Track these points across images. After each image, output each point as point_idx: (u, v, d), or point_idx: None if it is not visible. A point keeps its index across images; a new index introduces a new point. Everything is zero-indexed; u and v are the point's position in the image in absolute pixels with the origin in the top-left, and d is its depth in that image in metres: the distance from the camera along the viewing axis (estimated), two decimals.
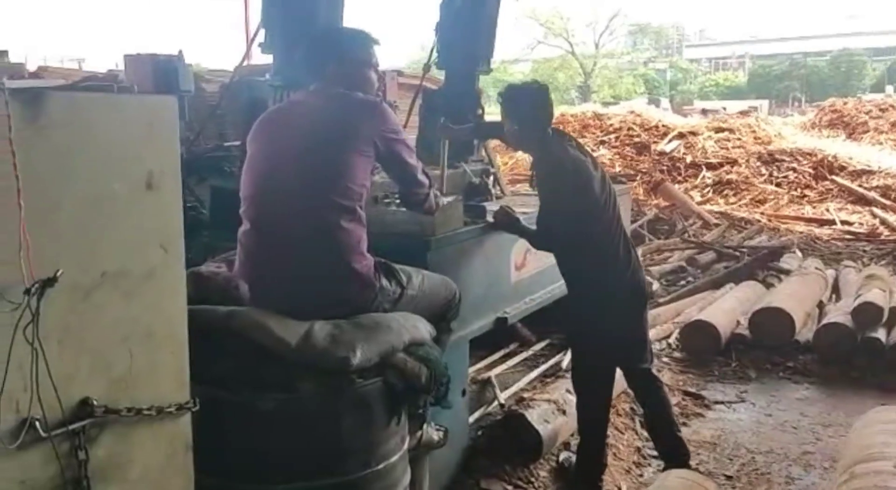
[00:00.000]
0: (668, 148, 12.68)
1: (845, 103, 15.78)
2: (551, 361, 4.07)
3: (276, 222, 2.18)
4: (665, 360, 4.72)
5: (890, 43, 38.95)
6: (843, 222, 9.69)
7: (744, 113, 16.00)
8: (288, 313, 2.07)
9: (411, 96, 5.13)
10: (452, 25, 4.23)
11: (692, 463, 3.20)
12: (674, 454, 3.11)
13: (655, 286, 6.06)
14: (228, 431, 1.90)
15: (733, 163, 12.00)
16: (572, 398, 3.34)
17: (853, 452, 2.31)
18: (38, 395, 1.30)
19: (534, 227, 3.06)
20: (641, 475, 3.38)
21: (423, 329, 2.21)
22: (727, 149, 12.46)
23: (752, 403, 4.20)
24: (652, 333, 4.36)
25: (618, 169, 11.72)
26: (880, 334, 4.56)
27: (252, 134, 2.36)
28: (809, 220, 9.94)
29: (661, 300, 5.91)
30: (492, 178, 4.17)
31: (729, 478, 3.32)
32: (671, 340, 5.00)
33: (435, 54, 4.32)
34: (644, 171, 12.00)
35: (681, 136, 13.00)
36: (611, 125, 13.67)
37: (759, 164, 11.86)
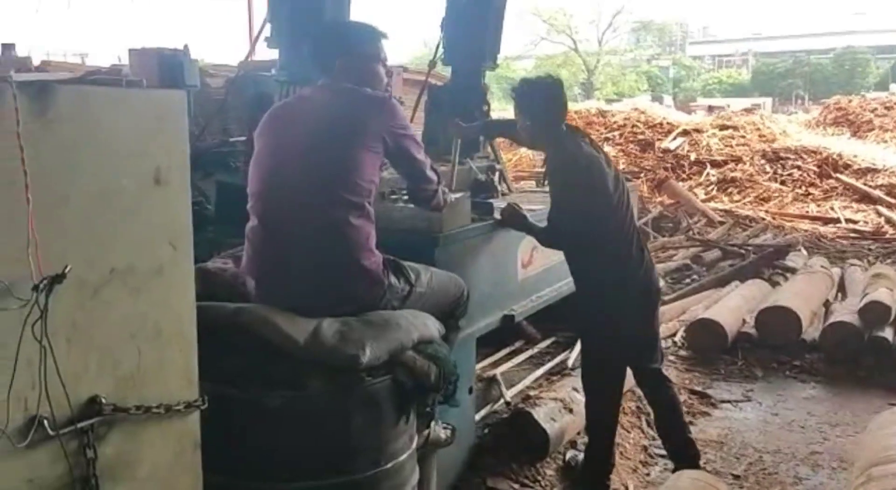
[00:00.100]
0: (672, 145, 12.64)
1: (850, 101, 15.71)
2: (557, 359, 4.06)
3: (284, 218, 2.16)
4: (671, 358, 4.69)
5: (894, 41, 38.80)
6: (848, 221, 9.66)
7: (748, 111, 15.94)
8: (295, 310, 2.05)
9: (416, 92, 5.10)
10: (458, 21, 4.20)
11: (699, 462, 3.18)
12: (683, 455, 3.08)
13: (661, 284, 6.03)
14: (236, 429, 1.88)
15: (738, 160, 11.97)
16: (579, 396, 3.33)
17: (869, 454, 2.29)
18: (47, 392, 1.28)
19: (542, 224, 3.04)
20: (648, 474, 3.36)
21: (432, 327, 2.19)
22: (731, 146, 12.42)
23: (758, 402, 4.18)
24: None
25: (622, 166, 11.68)
26: (887, 333, 4.54)
27: (259, 129, 2.34)
28: (814, 219, 9.91)
29: (667, 298, 5.88)
30: (498, 174, 4.15)
31: (737, 477, 3.30)
32: (677, 338, 4.98)
33: (440, 50, 4.29)
34: (648, 168, 11.97)
35: (685, 133, 12.96)
36: (614, 122, 13.63)
37: (763, 161, 11.82)
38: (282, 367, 1.93)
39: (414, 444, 2.14)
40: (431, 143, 3.81)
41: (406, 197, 2.83)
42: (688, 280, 6.70)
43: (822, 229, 9.22)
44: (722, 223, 9.37)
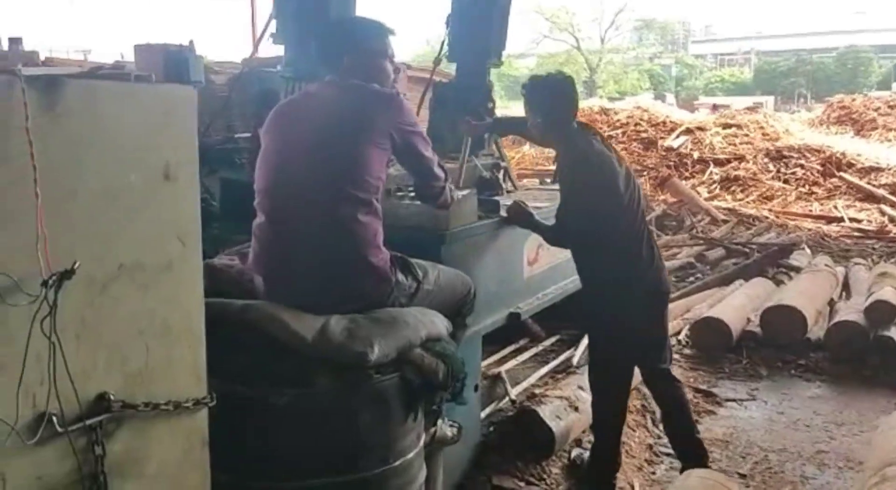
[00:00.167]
0: (675, 143, 12.62)
1: (854, 100, 15.68)
2: (561, 357, 4.04)
3: (292, 215, 2.14)
4: (675, 356, 4.67)
5: None
6: (852, 220, 9.63)
7: (751, 109, 15.91)
8: (302, 307, 2.04)
9: (419, 89, 5.09)
10: (464, 18, 4.18)
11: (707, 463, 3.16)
12: (691, 455, 3.05)
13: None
14: (243, 427, 1.87)
15: (741, 159, 11.94)
16: (585, 395, 3.32)
17: (882, 454, 2.27)
18: (56, 389, 1.27)
19: (548, 222, 3.02)
20: (654, 472, 3.35)
21: (439, 324, 2.18)
22: (735, 145, 12.39)
23: (763, 401, 4.16)
24: None
25: None
26: (893, 333, 4.51)
27: (266, 125, 2.33)
28: (817, 217, 9.88)
29: (670, 296, 5.87)
30: (502, 172, 4.14)
31: (742, 476, 3.28)
32: (681, 337, 4.96)
33: (445, 47, 4.27)
34: (651, 166, 11.96)
35: (688, 131, 12.94)
36: (617, 120, 13.61)
37: (766, 160, 11.79)
38: (289, 365, 1.92)
39: (422, 442, 2.13)
40: (436, 141, 3.75)
41: (412, 194, 2.82)
42: (691, 278, 6.68)
43: (826, 228, 9.19)
44: (725, 222, 9.34)
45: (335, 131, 2.17)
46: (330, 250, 2.11)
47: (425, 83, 4.92)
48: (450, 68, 4.61)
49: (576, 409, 3.30)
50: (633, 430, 3.57)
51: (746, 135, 12.66)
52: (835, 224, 9.49)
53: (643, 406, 3.76)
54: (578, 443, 3.32)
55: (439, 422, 2.37)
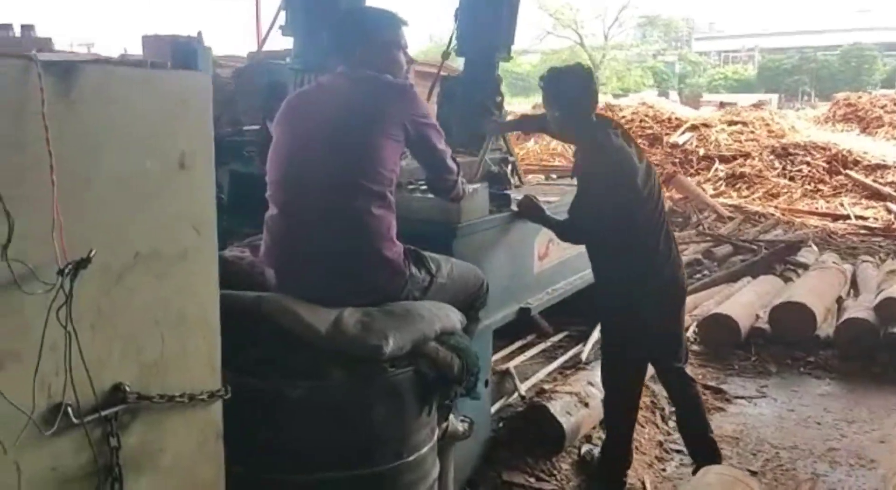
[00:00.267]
0: (680, 140, 12.59)
1: (860, 97, 15.64)
2: (570, 353, 4.01)
3: (305, 207, 2.12)
4: None
5: None
6: (858, 217, 9.60)
7: (756, 106, 15.86)
8: (314, 300, 2.02)
9: (425, 84, 5.06)
10: (472, 11, 4.15)
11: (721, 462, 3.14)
12: (705, 454, 3.01)
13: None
14: (256, 419, 1.84)
15: (746, 156, 11.91)
16: (594, 391, 3.30)
17: None
18: (72, 379, 1.25)
19: (559, 217, 2.99)
20: (664, 469, 3.32)
21: (454, 318, 2.15)
22: (740, 142, 12.37)
23: (773, 398, 4.14)
24: None
25: None
26: None
27: (278, 117, 2.30)
28: (823, 215, 9.85)
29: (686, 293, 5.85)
30: (510, 166, 4.11)
31: (753, 473, 3.25)
32: (689, 333, 4.93)
33: (454, 41, 4.24)
34: (656, 163, 11.88)
35: (693, 128, 12.91)
36: (622, 117, 13.55)
37: (772, 157, 11.76)
38: (303, 357, 1.90)
39: (435, 437, 2.10)
40: (445, 134, 3.76)
41: (423, 187, 2.80)
42: (699, 275, 6.65)
43: (832, 226, 9.16)
44: (731, 218, 9.31)
45: (348, 123, 2.14)
46: (343, 243, 2.09)
47: (431, 78, 4.88)
48: (457, 63, 4.57)
49: (586, 405, 3.28)
50: (644, 427, 3.54)
51: (752, 132, 12.63)
52: (841, 221, 9.45)
53: (653, 402, 3.74)
54: (588, 439, 3.30)
55: (451, 417, 2.35)
